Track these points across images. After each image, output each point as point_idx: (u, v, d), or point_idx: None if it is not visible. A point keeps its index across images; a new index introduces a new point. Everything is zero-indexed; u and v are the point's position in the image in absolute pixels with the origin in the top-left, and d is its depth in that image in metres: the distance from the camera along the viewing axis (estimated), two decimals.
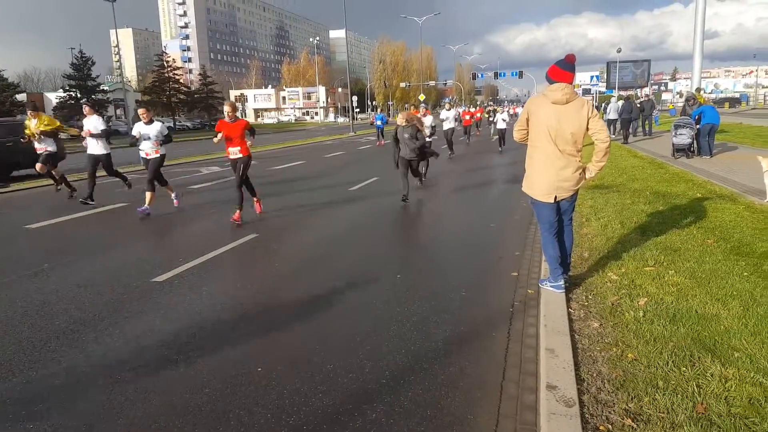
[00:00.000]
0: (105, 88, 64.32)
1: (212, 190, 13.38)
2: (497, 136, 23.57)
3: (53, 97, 67.02)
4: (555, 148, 4.82)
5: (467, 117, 29.21)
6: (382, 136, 30.59)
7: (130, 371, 3.98)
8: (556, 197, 4.93)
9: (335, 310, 5.17)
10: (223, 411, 3.43)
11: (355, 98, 68.74)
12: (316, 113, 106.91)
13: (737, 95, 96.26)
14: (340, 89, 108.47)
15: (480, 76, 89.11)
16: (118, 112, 68.61)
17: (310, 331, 4.66)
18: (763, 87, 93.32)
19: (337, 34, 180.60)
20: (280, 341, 4.48)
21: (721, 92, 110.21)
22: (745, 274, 5.33)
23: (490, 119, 33.95)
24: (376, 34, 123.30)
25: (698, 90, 20.24)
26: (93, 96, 58.49)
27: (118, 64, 77.22)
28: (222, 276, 6.30)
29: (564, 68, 4.85)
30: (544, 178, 4.92)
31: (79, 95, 58.25)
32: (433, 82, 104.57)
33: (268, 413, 3.39)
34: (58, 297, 5.68)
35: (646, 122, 26.61)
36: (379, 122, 31.46)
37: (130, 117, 47.91)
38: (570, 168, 4.85)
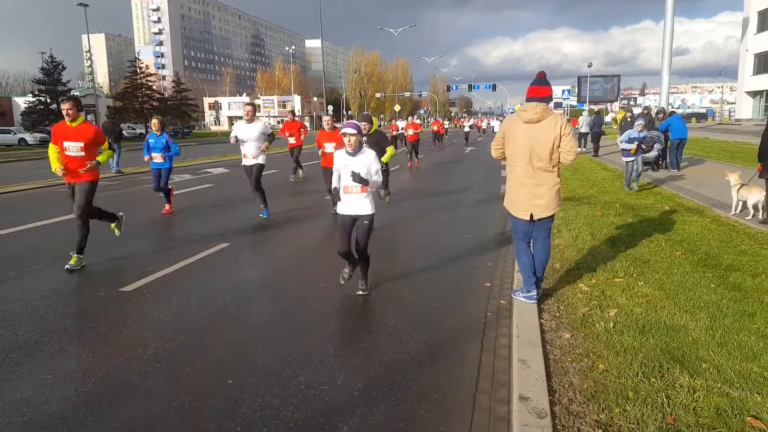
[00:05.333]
0: (76, 93, 63.27)
1: (183, 198, 13.21)
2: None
3: (21, 102, 65.73)
4: (529, 167, 4.94)
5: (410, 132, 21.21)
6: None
7: (96, 384, 3.88)
8: (532, 215, 5.01)
9: (307, 320, 5.12)
10: (192, 425, 3.36)
11: (330, 107, 68.67)
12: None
13: (704, 110, 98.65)
14: (315, 98, 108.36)
15: (454, 88, 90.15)
16: (89, 117, 67.51)
17: (281, 343, 4.61)
18: (729, 103, 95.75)
19: (313, 43, 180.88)
20: (251, 353, 4.42)
21: (688, 107, 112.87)
22: (712, 285, 5.44)
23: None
24: (353, 45, 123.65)
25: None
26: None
27: (90, 69, 76.13)
28: (192, 286, 6.20)
29: (538, 84, 5.00)
30: (520, 196, 5.04)
31: (48, 100, 57.18)
32: (408, 93, 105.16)
33: (238, 427, 3.33)
34: (23, 306, 5.53)
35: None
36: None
37: (100, 123, 47.11)
38: (545, 185, 4.95)
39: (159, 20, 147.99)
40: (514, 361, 3.97)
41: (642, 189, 12.40)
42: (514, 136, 5.02)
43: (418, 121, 24.92)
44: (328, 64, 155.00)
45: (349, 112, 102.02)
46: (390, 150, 9.08)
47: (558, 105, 72.89)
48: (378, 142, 8.80)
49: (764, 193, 8.46)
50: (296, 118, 18.90)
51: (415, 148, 21.29)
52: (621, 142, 12.32)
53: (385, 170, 8.77)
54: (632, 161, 12.16)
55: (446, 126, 52.35)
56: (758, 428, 3.03)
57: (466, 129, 43.70)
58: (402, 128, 26.18)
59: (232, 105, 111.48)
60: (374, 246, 8.16)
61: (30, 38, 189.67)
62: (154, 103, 71.20)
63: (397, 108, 69.47)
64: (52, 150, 6.79)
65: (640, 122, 12.19)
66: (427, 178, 17.60)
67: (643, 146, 12.14)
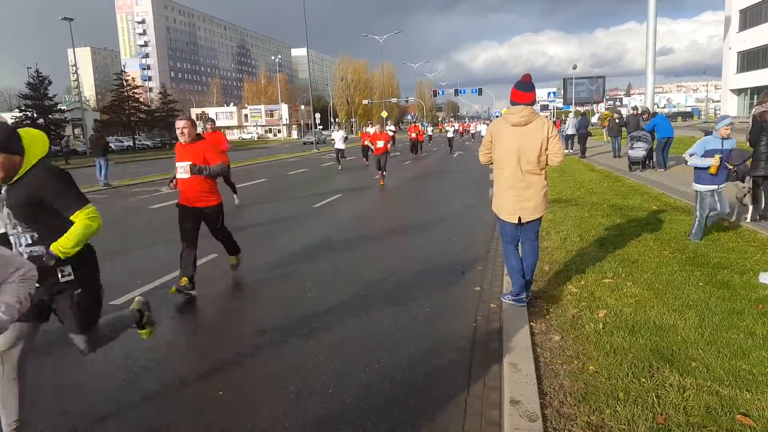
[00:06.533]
0: (63, 107, 62.83)
1: (172, 210, 13.11)
2: None
3: (8, 118, 65.20)
4: (517, 170, 4.94)
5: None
6: None
7: (87, 398, 3.85)
8: (520, 218, 5.02)
9: (298, 329, 5.10)
10: None
11: (318, 115, 68.64)
12: (279, 131, 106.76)
13: (689, 109, 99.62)
14: (302, 107, 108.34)
15: (441, 93, 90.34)
16: (77, 131, 67.15)
17: (272, 352, 4.58)
18: (713, 101, 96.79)
19: (299, 52, 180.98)
20: (243, 364, 4.39)
21: (674, 107, 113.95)
22: (700, 284, 5.47)
23: None
24: (339, 53, 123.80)
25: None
26: (50, 116, 57.08)
27: (76, 83, 75.76)
28: (181, 297, 6.16)
29: (522, 89, 4.99)
30: (508, 199, 5.04)
31: (35, 115, 56.77)
32: (395, 99, 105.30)
33: None
34: None
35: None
36: None
37: (88, 136, 46.88)
38: (533, 188, 4.96)
39: (144, 32, 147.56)
40: (505, 364, 3.97)
41: (627, 187, 12.46)
42: (501, 140, 5.02)
43: (388, 128, 22.06)
44: (314, 72, 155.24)
45: (337, 119, 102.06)
46: (83, 216, 3.12)
47: (545, 107, 73.34)
48: (37, 206, 3.05)
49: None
50: (218, 128, 13.53)
51: (382, 163, 17.71)
52: (692, 156, 7.20)
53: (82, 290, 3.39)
54: (711, 191, 7.12)
55: (429, 132, 49.64)
56: (748, 426, 3.04)
57: (450, 135, 39.16)
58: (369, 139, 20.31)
59: (219, 115, 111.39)
60: (362, 251, 8.16)
61: (15, 53, 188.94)
62: (141, 116, 70.94)
63: (384, 114, 69.40)
64: None
65: (726, 122, 7.09)
66: (409, 188, 17.59)
67: (729, 165, 7.24)
